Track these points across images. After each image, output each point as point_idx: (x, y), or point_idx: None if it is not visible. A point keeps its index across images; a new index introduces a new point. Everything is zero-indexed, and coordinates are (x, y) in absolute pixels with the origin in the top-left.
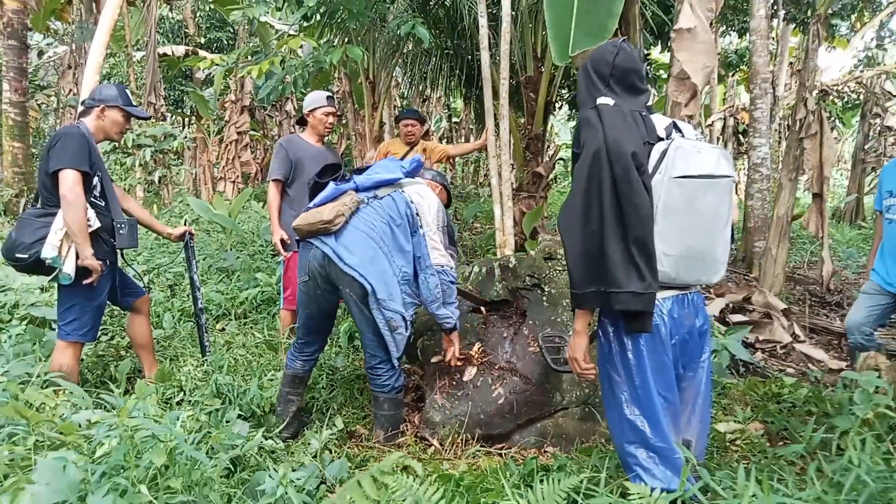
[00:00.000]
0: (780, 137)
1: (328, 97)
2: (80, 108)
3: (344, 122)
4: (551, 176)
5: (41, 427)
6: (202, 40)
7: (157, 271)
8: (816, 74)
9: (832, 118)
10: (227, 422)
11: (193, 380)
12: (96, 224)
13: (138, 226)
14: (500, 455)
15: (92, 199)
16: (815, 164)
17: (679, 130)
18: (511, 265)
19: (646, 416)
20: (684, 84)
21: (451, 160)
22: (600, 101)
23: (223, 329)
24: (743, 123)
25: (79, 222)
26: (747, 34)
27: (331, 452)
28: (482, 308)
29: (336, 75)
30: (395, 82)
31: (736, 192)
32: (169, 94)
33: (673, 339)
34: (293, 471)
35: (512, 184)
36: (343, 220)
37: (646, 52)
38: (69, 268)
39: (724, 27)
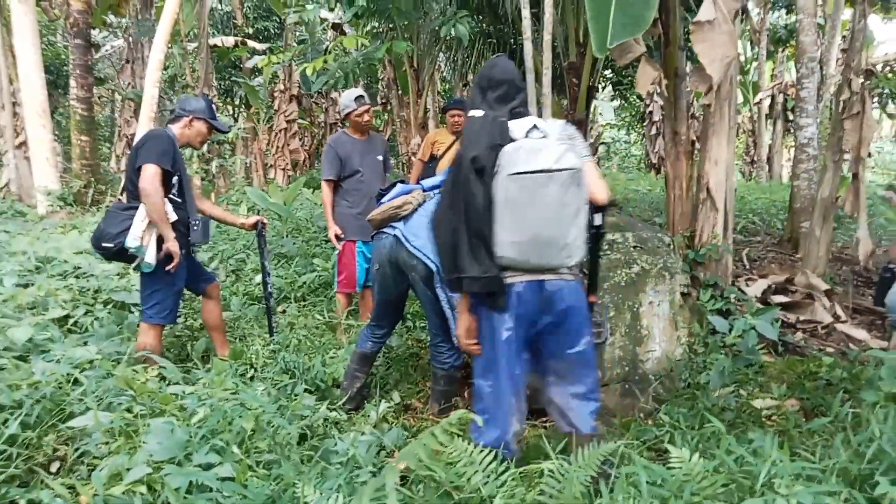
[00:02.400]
0: (829, 115)
1: (356, 98)
2: (170, 115)
3: (389, 108)
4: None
5: (143, 398)
6: (250, 30)
7: (220, 257)
8: (865, 53)
9: (885, 95)
10: (296, 395)
11: (263, 358)
12: (173, 217)
13: (212, 221)
14: (545, 427)
15: (170, 196)
16: (854, 145)
17: (538, 129)
18: None
19: (491, 386)
20: (702, 75)
21: None
22: (471, 113)
23: (284, 311)
24: (792, 100)
25: (158, 210)
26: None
27: (388, 423)
28: None
29: (381, 64)
30: (438, 67)
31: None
32: (220, 84)
33: (526, 319)
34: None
35: None
36: (411, 208)
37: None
38: (150, 257)
39: (772, 2)
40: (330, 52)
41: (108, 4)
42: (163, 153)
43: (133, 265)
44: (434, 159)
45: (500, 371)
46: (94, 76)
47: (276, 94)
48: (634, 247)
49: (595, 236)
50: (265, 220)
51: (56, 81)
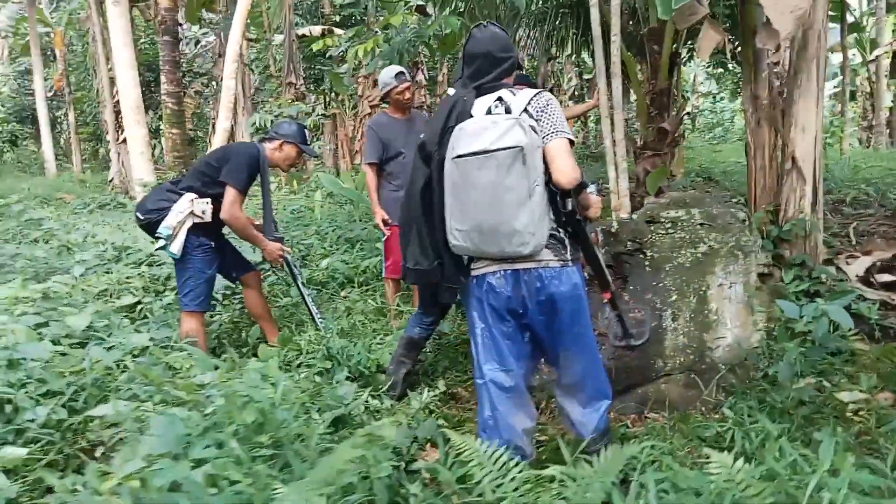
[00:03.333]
0: None
1: (397, 74)
2: (266, 136)
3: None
4: (679, 132)
5: (165, 386)
6: (337, 18)
7: (290, 242)
8: None
9: None
10: (337, 382)
11: (313, 343)
12: (209, 217)
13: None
14: None
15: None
16: None
17: (502, 103)
18: (614, 230)
19: (480, 383)
20: (769, 30)
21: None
22: (448, 91)
23: (346, 296)
24: None
25: (241, 230)
26: None
27: (430, 413)
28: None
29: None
30: (524, 45)
31: None
32: (309, 73)
33: (505, 310)
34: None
35: (636, 141)
36: None
37: None
38: (175, 247)
39: None
40: (379, 34)
41: (202, 1)
42: (248, 176)
43: (156, 246)
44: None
45: (482, 366)
46: (191, 70)
47: (360, 80)
48: (701, 224)
49: (569, 222)
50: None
51: (158, 79)
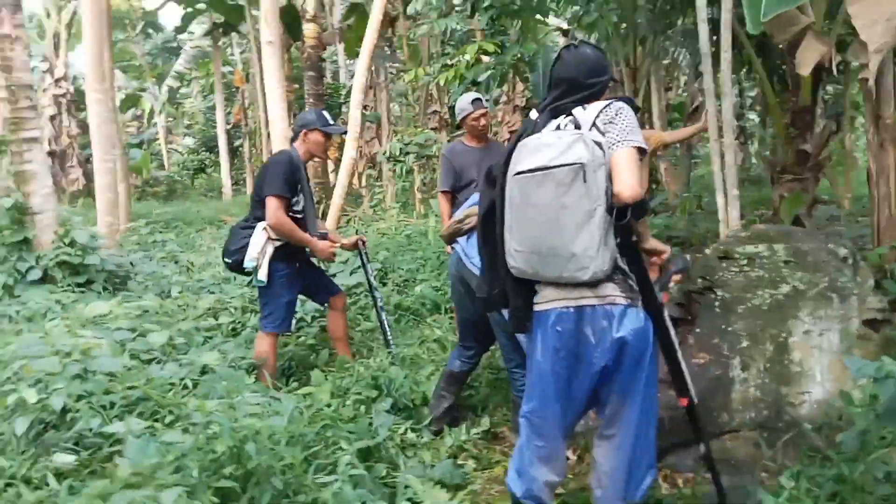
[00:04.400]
0: None
1: (473, 101)
2: (293, 135)
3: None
4: (824, 154)
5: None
6: (491, 48)
7: (390, 270)
8: None
9: None
10: (377, 413)
11: (378, 369)
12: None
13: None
14: None
15: (291, 213)
16: None
17: (571, 118)
18: (689, 266)
19: (523, 419)
20: (860, 43)
21: (667, 147)
22: (531, 114)
23: (432, 322)
24: None
25: (289, 234)
26: None
27: (466, 451)
28: None
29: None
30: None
31: None
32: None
33: (566, 354)
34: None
35: (775, 166)
36: (473, 222)
37: None
38: (262, 274)
39: None
40: (463, 62)
41: (359, 35)
42: (283, 182)
43: (249, 280)
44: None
45: (525, 405)
46: (347, 102)
47: (500, 107)
48: (786, 262)
49: (623, 246)
50: (364, 238)
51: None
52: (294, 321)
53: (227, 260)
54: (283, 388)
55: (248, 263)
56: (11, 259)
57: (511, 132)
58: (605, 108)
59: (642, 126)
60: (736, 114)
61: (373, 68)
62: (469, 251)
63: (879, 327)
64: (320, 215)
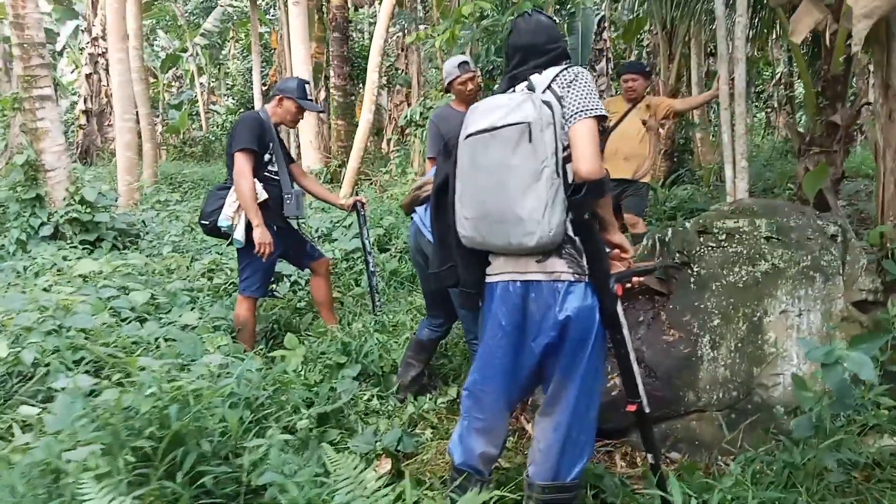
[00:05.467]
0: None
1: (460, 64)
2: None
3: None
4: (854, 126)
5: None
6: (529, 6)
7: (394, 236)
8: None
9: None
10: (342, 378)
11: (349, 335)
12: (263, 196)
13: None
14: (609, 453)
15: (265, 173)
16: None
17: (527, 82)
18: (666, 239)
19: (466, 390)
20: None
21: (678, 115)
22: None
23: None
24: None
25: (246, 197)
26: None
27: (426, 420)
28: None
29: (648, 28)
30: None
31: None
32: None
33: (513, 329)
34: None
35: (804, 136)
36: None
37: None
38: (239, 234)
39: None
40: (453, 25)
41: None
42: (250, 137)
43: (227, 242)
44: (605, 131)
45: (473, 374)
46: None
47: None
48: (767, 238)
49: (577, 222)
50: (363, 200)
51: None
52: (288, 284)
53: (203, 222)
54: (262, 350)
55: (223, 222)
56: (25, 215)
57: None
58: (561, 71)
59: (651, 93)
60: (786, 82)
61: (405, 30)
62: (427, 221)
63: (870, 309)
64: (343, 178)
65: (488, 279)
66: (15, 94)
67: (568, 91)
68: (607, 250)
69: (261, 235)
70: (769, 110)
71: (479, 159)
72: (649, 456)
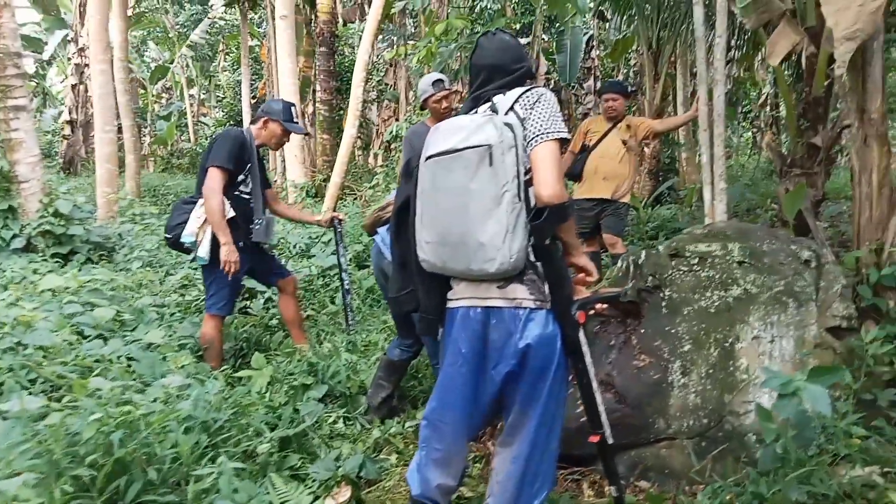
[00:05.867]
0: None
1: (434, 82)
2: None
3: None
4: (836, 148)
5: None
6: (518, 26)
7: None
8: None
9: None
10: (307, 400)
11: (317, 355)
12: (230, 213)
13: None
14: (576, 481)
15: (236, 192)
16: None
17: (490, 104)
18: (640, 261)
19: (425, 419)
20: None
21: (658, 136)
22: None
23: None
24: None
25: (214, 213)
26: None
27: (392, 444)
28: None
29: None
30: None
31: None
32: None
33: (473, 356)
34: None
35: (786, 157)
36: None
37: None
38: (203, 251)
39: None
40: (431, 42)
41: (386, 14)
42: (228, 155)
43: (190, 258)
44: (585, 150)
45: (432, 403)
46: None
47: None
48: (739, 263)
49: (537, 248)
50: (341, 217)
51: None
52: (262, 300)
53: (167, 236)
54: (228, 370)
55: (186, 238)
56: None
57: None
58: (524, 92)
59: (636, 113)
60: (772, 103)
61: (394, 45)
62: (388, 239)
63: (844, 335)
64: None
65: (449, 304)
66: None
67: (531, 113)
68: (572, 274)
69: (227, 253)
70: (755, 130)
71: (439, 182)
72: (613, 489)
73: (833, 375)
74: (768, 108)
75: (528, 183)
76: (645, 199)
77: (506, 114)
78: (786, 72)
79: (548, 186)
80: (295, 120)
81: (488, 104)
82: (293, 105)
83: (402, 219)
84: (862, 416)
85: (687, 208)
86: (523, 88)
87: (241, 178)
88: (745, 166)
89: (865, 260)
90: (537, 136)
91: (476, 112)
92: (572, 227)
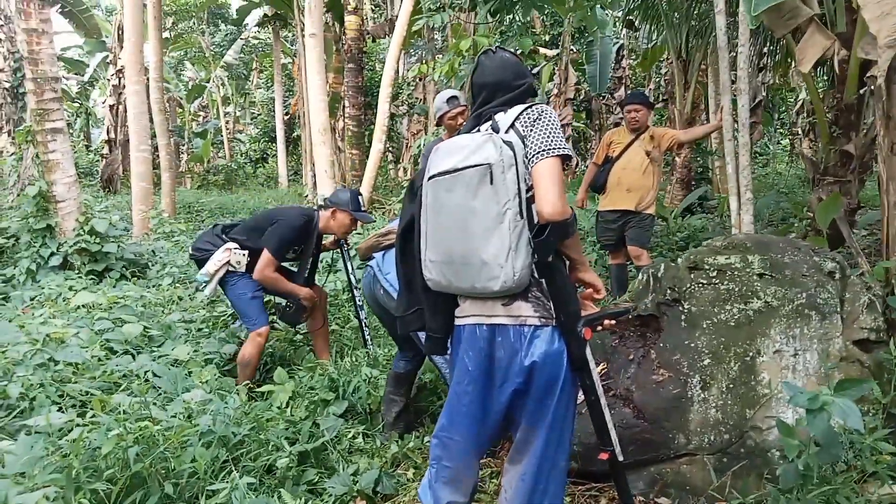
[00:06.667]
0: None
1: (449, 99)
2: (324, 204)
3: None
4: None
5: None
6: (546, 38)
7: None
8: None
9: None
10: (327, 415)
11: (339, 370)
12: (242, 269)
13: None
14: (594, 497)
15: (285, 262)
16: None
17: (493, 122)
18: (659, 274)
19: (435, 437)
20: (870, 38)
21: (682, 146)
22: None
23: None
24: None
25: (272, 287)
26: None
27: (410, 459)
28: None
29: (665, 57)
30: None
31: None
32: None
33: (481, 373)
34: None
35: (818, 165)
36: (394, 238)
37: None
38: (208, 291)
39: None
40: (454, 56)
41: (412, 31)
42: (282, 246)
43: (199, 285)
44: (608, 161)
45: (441, 420)
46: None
47: (551, 99)
48: (760, 275)
49: (540, 265)
50: (346, 240)
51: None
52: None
53: (191, 251)
54: (249, 384)
55: (200, 277)
56: (35, 245)
57: (563, 125)
58: (525, 109)
59: (667, 122)
60: (808, 110)
61: (423, 59)
62: (385, 266)
63: (872, 348)
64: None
65: (457, 321)
66: (28, 126)
67: (531, 130)
68: (580, 289)
69: (304, 296)
70: (792, 137)
71: (441, 201)
72: None
73: (860, 388)
74: (805, 115)
75: (531, 200)
76: (675, 210)
77: (507, 131)
78: (822, 77)
79: (549, 203)
80: (363, 208)
81: (489, 122)
82: (360, 194)
83: (408, 238)
84: (891, 431)
85: (718, 218)
86: (524, 105)
87: (290, 255)
88: (781, 174)
89: (895, 270)
90: (538, 153)
91: (478, 130)
92: (577, 242)
